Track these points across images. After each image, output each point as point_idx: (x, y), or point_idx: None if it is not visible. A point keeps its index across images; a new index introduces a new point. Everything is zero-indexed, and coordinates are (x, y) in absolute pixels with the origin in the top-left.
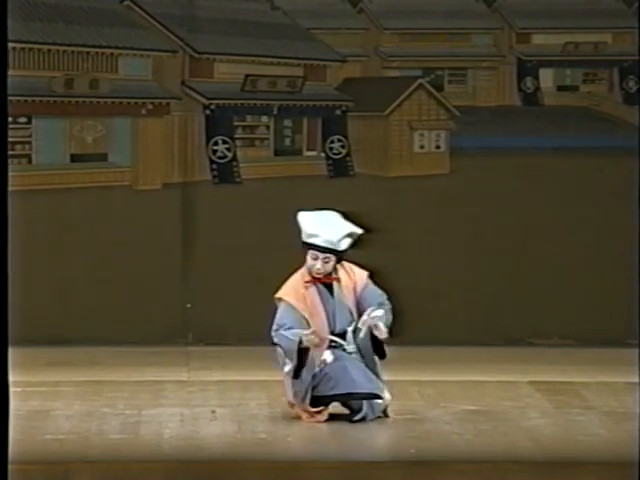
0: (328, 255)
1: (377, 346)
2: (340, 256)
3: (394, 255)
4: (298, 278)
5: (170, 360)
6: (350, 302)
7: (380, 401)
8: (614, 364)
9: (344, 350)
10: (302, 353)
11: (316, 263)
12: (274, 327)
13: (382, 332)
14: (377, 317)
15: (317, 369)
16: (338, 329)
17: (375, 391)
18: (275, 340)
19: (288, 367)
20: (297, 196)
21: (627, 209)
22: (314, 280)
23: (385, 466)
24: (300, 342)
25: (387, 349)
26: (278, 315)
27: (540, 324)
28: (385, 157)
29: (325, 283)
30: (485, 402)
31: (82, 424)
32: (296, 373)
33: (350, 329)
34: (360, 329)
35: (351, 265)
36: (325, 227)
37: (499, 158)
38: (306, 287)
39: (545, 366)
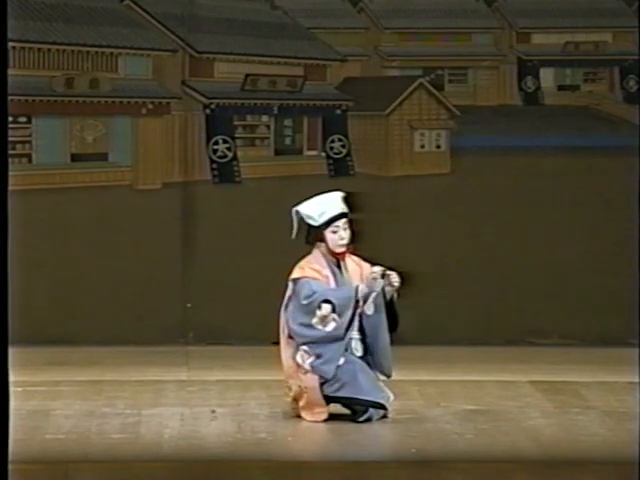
0: (345, 221)
1: (391, 316)
2: (350, 222)
3: (394, 254)
4: (311, 260)
5: (170, 360)
6: None
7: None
8: (615, 363)
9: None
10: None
11: (339, 234)
12: (306, 295)
13: (395, 277)
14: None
15: None
16: None
17: (381, 400)
18: (323, 297)
19: (332, 325)
20: (297, 196)
21: (628, 209)
22: (338, 254)
23: (386, 466)
24: (357, 290)
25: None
26: (308, 287)
27: (540, 323)
28: (386, 157)
29: (340, 260)
30: (485, 402)
31: (82, 424)
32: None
33: (356, 314)
34: (367, 311)
35: (359, 259)
36: (326, 201)
37: (500, 157)
38: (320, 264)
39: (545, 366)
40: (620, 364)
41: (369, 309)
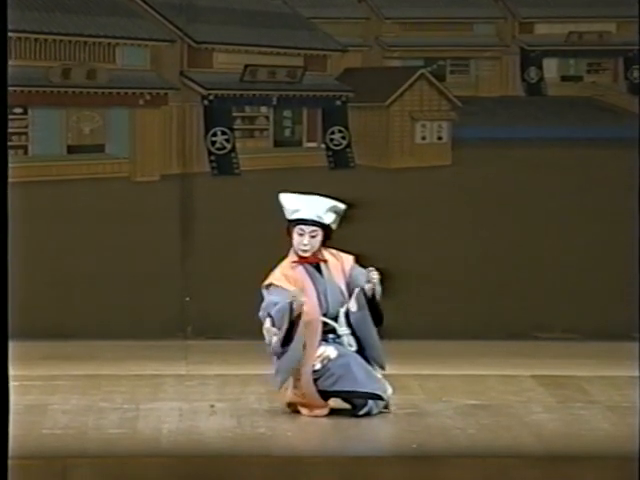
0: (315, 229)
1: (374, 312)
2: (327, 232)
3: (395, 247)
4: (285, 264)
5: (169, 354)
6: (340, 283)
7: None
8: (618, 358)
9: (336, 334)
10: (293, 323)
11: (303, 239)
12: (262, 307)
13: (374, 273)
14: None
15: (319, 365)
16: (330, 310)
17: (377, 391)
18: (264, 314)
19: (275, 338)
20: (297, 188)
21: (631, 201)
22: (302, 260)
23: (386, 461)
24: (292, 304)
25: (384, 318)
26: (268, 297)
27: (543, 317)
28: (386, 148)
29: (313, 263)
30: (487, 396)
31: (80, 418)
32: (285, 342)
33: (343, 310)
34: (352, 307)
35: (337, 250)
36: (308, 202)
37: (502, 149)
38: (293, 268)
39: (548, 360)
40: (623, 358)
41: (353, 306)
